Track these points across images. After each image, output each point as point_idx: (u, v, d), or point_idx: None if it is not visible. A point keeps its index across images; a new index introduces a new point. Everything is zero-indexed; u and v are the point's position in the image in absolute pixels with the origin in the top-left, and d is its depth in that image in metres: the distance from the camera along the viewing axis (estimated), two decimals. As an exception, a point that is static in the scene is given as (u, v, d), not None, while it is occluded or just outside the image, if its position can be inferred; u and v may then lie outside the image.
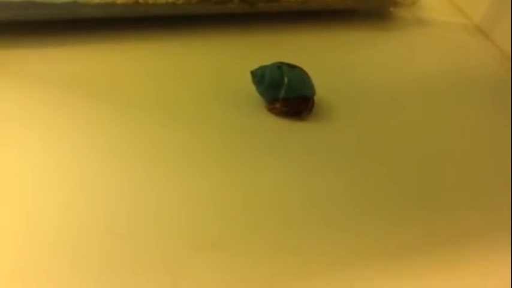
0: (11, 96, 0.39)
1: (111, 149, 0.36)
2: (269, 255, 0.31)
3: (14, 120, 0.37)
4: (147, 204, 0.33)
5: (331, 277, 0.30)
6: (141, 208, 0.32)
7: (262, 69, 0.39)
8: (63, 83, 0.40)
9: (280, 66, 0.39)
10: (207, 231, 0.32)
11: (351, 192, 0.35)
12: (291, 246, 0.31)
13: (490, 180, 0.37)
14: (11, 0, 0.41)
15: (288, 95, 0.39)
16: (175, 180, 0.34)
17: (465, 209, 0.35)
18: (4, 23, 0.44)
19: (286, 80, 0.38)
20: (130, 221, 0.31)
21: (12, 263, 0.28)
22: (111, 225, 0.31)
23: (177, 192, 0.34)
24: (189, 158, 0.36)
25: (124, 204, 0.32)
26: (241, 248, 0.31)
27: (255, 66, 0.40)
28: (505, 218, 0.35)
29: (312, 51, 0.48)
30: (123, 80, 0.42)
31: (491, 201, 0.36)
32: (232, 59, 0.45)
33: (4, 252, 0.29)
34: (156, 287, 0.28)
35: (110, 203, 0.32)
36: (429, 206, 0.35)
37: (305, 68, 0.40)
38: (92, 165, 0.34)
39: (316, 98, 0.40)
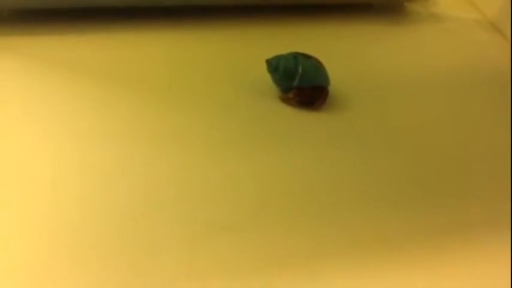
0: (27, 80, 0.40)
1: (130, 134, 0.37)
2: (282, 238, 0.31)
3: (28, 101, 0.38)
4: (165, 188, 0.33)
5: (341, 259, 0.31)
6: (159, 191, 0.33)
7: (278, 58, 0.40)
8: (82, 68, 0.42)
9: (295, 56, 0.40)
10: (223, 213, 0.32)
11: (360, 180, 0.36)
12: (302, 230, 0.32)
13: (496, 173, 0.38)
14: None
15: (302, 84, 0.39)
16: (192, 165, 0.35)
17: (470, 201, 0.36)
18: (26, 11, 0.46)
19: (300, 69, 0.39)
20: (149, 204, 0.32)
21: (34, 245, 0.29)
22: (129, 207, 0.32)
23: (194, 177, 0.34)
24: (204, 143, 0.37)
25: (143, 187, 0.33)
26: (255, 230, 0.32)
27: (271, 56, 0.41)
28: (505, 210, 0.35)
29: (327, 43, 0.49)
30: (142, 67, 0.43)
31: (492, 194, 0.36)
32: (250, 49, 0.46)
33: (26, 237, 0.30)
34: (173, 266, 0.29)
35: (129, 186, 0.33)
36: (437, 196, 0.36)
37: (320, 59, 0.41)
38: (109, 149, 0.35)
39: (330, 89, 0.41)
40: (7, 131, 0.36)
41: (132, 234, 0.31)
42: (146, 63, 0.43)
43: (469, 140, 0.40)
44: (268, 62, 0.40)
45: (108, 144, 0.36)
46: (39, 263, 0.28)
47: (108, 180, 0.33)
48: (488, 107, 0.44)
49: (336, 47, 0.48)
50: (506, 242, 0.33)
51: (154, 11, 0.48)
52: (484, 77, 0.47)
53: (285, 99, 0.41)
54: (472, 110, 0.43)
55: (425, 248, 0.32)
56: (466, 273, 0.31)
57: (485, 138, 0.41)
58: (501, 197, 0.36)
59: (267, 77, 0.41)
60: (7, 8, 0.45)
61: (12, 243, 0.29)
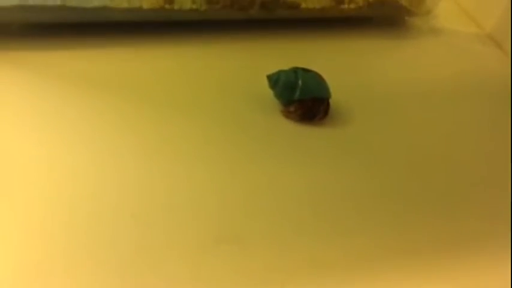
0: (27, 93, 0.41)
1: (135, 144, 0.37)
2: (283, 250, 0.32)
3: (27, 113, 0.39)
4: (169, 197, 0.34)
5: (341, 274, 0.31)
6: (164, 200, 0.34)
7: (279, 73, 0.41)
8: (83, 81, 0.42)
9: (295, 70, 0.41)
10: (219, 226, 0.33)
11: (360, 194, 0.36)
12: (303, 244, 0.33)
13: (496, 186, 0.39)
14: (46, 4, 0.43)
15: (303, 96, 0.40)
16: (190, 176, 0.36)
17: (468, 214, 0.36)
18: (37, 25, 0.47)
19: (300, 82, 0.40)
20: (142, 208, 0.33)
21: (27, 249, 0.30)
22: (123, 212, 0.33)
23: (191, 188, 0.35)
24: (203, 157, 0.37)
25: (136, 194, 0.34)
26: (258, 242, 0.32)
27: (273, 71, 0.41)
28: (505, 222, 0.36)
29: (328, 57, 0.49)
30: (145, 80, 0.43)
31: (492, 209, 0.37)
32: (251, 64, 0.47)
33: (19, 241, 0.30)
34: (176, 277, 0.30)
35: (123, 192, 0.34)
36: (436, 210, 0.36)
37: (321, 73, 0.42)
38: (104, 156, 0.36)
39: (331, 102, 0.41)
40: (3, 139, 0.37)
41: (125, 239, 0.31)
42: (146, 76, 0.44)
43: (470, 152, 0.41)
44: (268, 77, 0.41)
45: (103, 153, 0.36)
46: (36, 265, 0.29)
47: (103, 185, 0.34)
48: (489, 120, 0.45)
49: (336, 61, 0.49)
50: (506, 259, 0.33)
51: (155, 26, 0.49)
52: (483, 88, 0.48)
53: (287, 113, 0.41)
54: (473, 123, 0.44)
55: (421, 264, 0.32)
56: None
57: (485, 150, 0.41)
58: (501, 211, 0.36)
59: (269, 93, 0.42)
60: (16, 21, 0.46)
61: (6, 246, 0.30)
